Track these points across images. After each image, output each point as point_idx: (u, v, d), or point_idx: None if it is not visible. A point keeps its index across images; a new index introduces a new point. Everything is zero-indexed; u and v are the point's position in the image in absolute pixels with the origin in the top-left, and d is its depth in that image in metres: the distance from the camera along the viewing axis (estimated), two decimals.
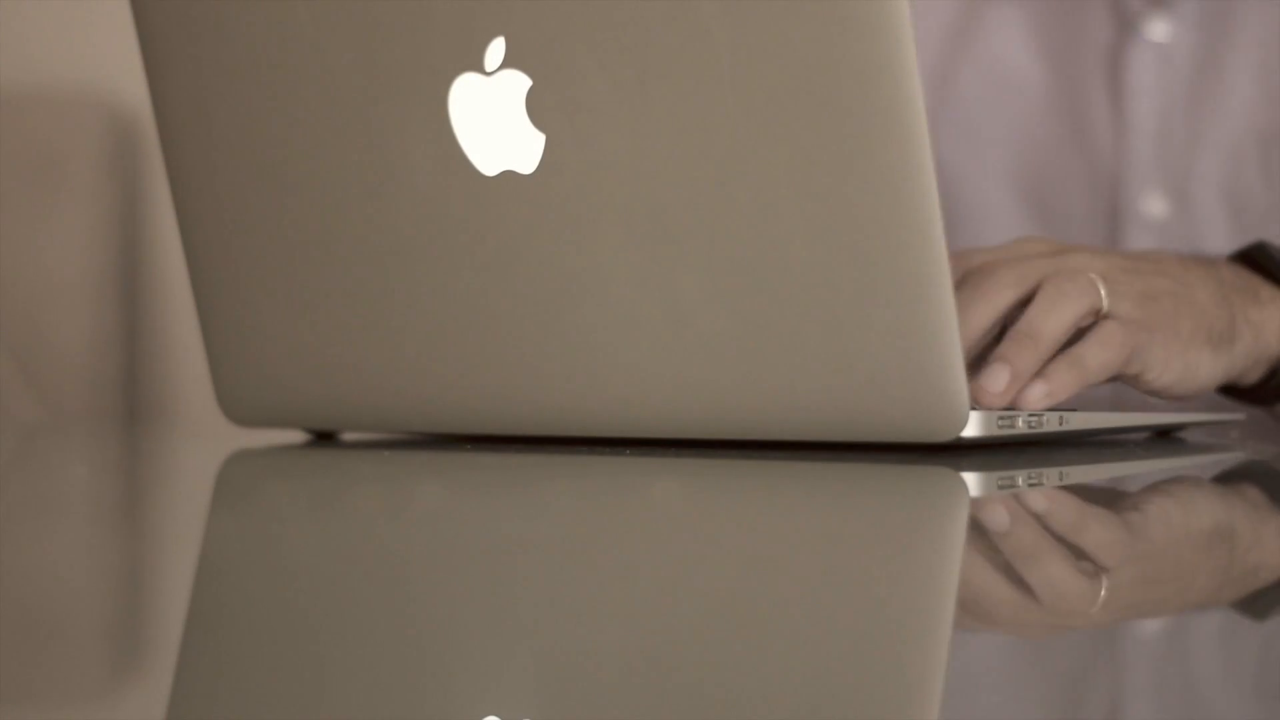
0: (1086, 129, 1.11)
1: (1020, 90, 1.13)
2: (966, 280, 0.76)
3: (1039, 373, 0.71)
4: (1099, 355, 0.73)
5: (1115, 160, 1.09)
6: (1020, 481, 0.66)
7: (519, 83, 0.69)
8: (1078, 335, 0.75)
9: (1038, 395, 0.70)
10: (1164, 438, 0.81)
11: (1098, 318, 0.75)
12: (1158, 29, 1.08)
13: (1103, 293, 0.75)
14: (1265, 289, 0.84)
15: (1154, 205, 1.08)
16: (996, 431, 0.67)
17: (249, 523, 0.63)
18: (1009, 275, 0.75)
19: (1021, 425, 0.69)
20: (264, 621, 0.44)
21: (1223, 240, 1.06)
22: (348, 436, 0.82)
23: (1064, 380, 0.71)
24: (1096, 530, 0.58)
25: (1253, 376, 0.83)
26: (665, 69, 0.65)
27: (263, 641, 0.42)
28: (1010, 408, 0.70)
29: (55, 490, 0.75)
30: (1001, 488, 0.64)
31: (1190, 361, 0.78)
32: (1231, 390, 0.85)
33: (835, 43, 0.62)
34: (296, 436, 0.82)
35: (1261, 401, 0.86)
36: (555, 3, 0.67)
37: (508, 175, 0.70)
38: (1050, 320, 0.72)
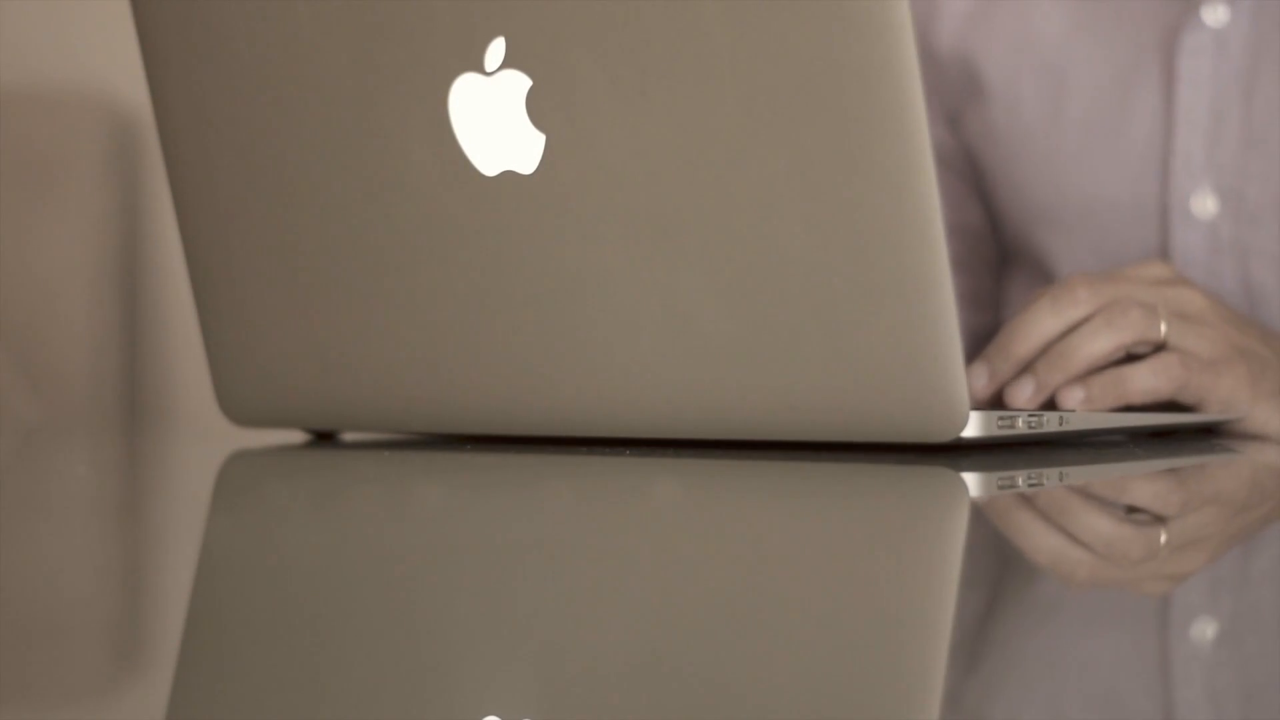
0: (1134, 116, 1.06)
1: (1061, 70, 1.08)
2: (1050, 290, 0.78)
3: (1082, 380, 0.73)
4: (1145, 380, 0.75)
5: (1163, 153, 1.05)
6: (1020, 482, 0.66)
7: (519, 83, 0.69)
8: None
9: (1074, 399, 0.73)
10: (1164, 438, 0.81)
11: (1154, 349, 0.77)
12: (1216, 13, 1.03)
13: (1163, 328, 0.77)
14: None
15: (1205, 203, 1.04)
16: (996, 432, 0.67)
17: (249, 523, 0.63)
18: (1085, 293, 0.77)
19: (1021, 425, 0.69)
20: (264, 621, 0.44)
21: (1272, 243, 1.03)
22: (348, 436, 0.82)
23: (1103, 393, 0.74)
24: (1095, 530, 0.58)
25: None
26: (665, 69, 0.65)
27: (263, 641, 0.42)
28: (1013, 407, 0.70)
29: (55, 490, 0.75)
30: (1001, 488, 0.64)
31: (1258, 412, 0.79)
32: None
33: (835, 43, 0.62)
34: (296, 436, 0.82)
35: None
36: (555, 3, 0.67)
37: (508, 175, 0.70)
38: (1088, 344, 0.75)
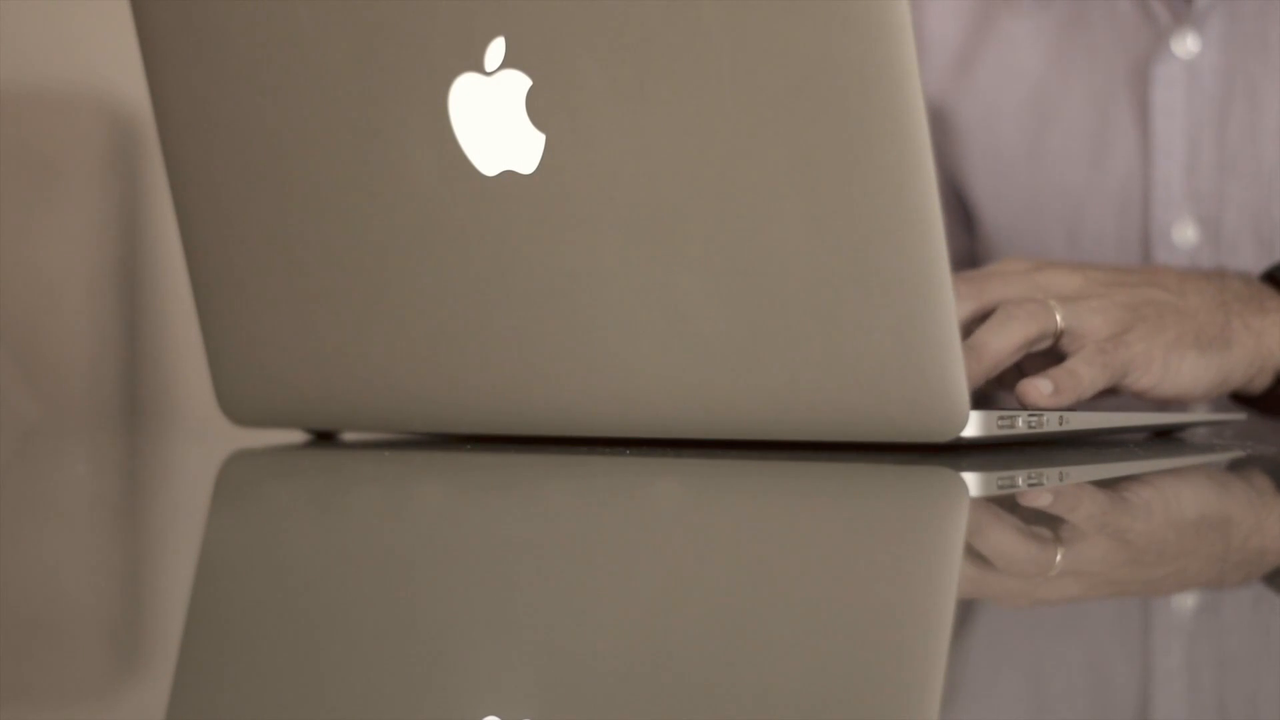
0: (1112, 149, 1.06)
1: (1042, 104, 1.09)
2: None
3: (1046, 374, 0.73)
4: (1088, 371, 0.75)
5: (1143, 184, 1.05)
6: (1020, 481, 0.66)
7: (519, 83, 0.69)
8: (1055, 358, 0.76)
9: (1043, 391, 0.72)
10: (1164, 438, 0.81)
11: (1055, 339, 0.76)
12: (1185, 44, 1.04)
13: (1058, 317, 0.76)
14: (1273, 300, 0.85)
15: (1185, 233, 1.04)
16: (996, 431, 0.67)
17: (249, 523, 0.63)
18: (965, 289, 0.77)
19: (1021, 425, 0.69)
20: (264, 621, 0.44)
21: (1251, 268, 1.02)
22: (348, 436, 0.82)
23: (1063, 389, 0.73)
24: (1095, 529, 0.58)
25: (1260, 384, 0.84)
26: (665, 69, 0.65)
27: (263, 641, 0.42)
28: (1012, 407, 0.70)
29: (55, 490, 0.75)
30: (1001, 488, 0.64)
31: (1173, 363, 0.79)
32: (1243, 400, 0.86)
33: (835, 43, 0.62)
34: (296, 436, 0.82)
35: (1273, 412, 0.86)
36: (555, 3, 0.67)
37: (508, 175, 0.70)
38: (996, 339, 0.74)
